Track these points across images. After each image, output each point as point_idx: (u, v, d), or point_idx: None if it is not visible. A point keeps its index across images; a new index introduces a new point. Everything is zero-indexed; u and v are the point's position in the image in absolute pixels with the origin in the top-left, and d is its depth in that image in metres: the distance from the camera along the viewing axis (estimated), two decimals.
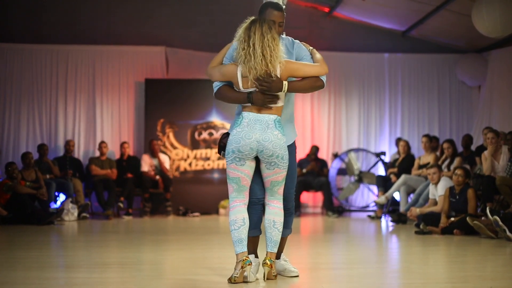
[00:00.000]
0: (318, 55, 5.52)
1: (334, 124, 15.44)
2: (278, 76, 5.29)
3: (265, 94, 5.29)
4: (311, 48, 5.61)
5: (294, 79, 5.46)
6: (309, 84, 5.42)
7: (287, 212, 5.59)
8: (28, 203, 11.34)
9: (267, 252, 5.44)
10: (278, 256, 5.67)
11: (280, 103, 5.37)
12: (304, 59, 5.51)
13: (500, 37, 11.70)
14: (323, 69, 5.43)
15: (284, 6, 8.88)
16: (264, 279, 5.39)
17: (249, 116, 5.34)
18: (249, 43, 5.26)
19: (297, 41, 5.65)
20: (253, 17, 5.41)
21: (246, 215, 5.40)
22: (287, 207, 5.58)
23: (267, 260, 5.34)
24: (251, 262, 5.29)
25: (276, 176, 5.39)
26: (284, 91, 5.30)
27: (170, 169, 14.04)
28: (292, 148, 5.60)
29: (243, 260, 5.26)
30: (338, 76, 15.46)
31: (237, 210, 5.40)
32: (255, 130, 5.29)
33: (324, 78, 5.47)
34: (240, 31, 5.36)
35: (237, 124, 5.36)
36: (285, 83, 5.29)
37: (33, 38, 14.49)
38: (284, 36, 5.66)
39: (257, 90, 5.29)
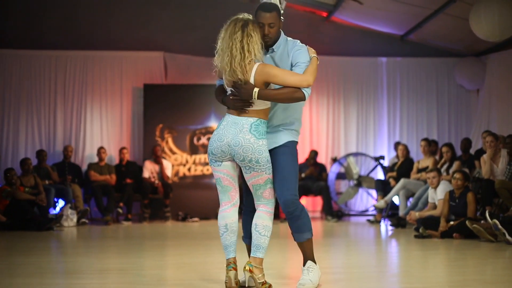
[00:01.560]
0: (311, 66, 5.18)
1: (333, 129, 15.45)
2: (250, 80, 5.10)
3: (235, 99, 5.17)
4: (313, 55, 5.30)
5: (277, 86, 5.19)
6: (285, 94, 5.11)
7: (292, 217, 5.31)
8: (27, 209, 11.34)
9: (249, 256, 5.34)
10: (304, 263, 5.47)
11: (261, 106, 5.18)
12: (297, 66, 5.22)
13: (498, 41, 11.71)
14: (306, 80, 5.09)
15: (282, 11, 8.87)
16: (245, 285, 5.31)
17: (228, 118, 5.25)
18: (221, 42, 5.21)
19: (300, 44, 5.36)
20: (233, 17, 5.29)
21: (230, 220, 5.42)
22: (288, 210, 5.27)
23: (246, 265, 5.18)
24: (234, 267, 5.21)
25: (256, 180, 5.23)
26: (254, 98, 5.08)
27: (170, 176, 14.04)
28: (286, 148, 5.33)
29: (227, 265, 5.24)
30: (336, 81, 15.48)
31: (221, 215, 5.48)
32: (228, 133, 5.18)
33: (306, 90, 5.12)
34: (221, 32, 5.29)
35: (218, 126, 5.30)
36: (255, 90, 5.07)
37: (31, 44, 14.50)
38: (289, 38, 5.44)
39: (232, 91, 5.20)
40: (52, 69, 14.66)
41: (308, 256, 5.45)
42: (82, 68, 14.76)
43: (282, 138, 5.36)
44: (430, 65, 15.52)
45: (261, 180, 5.24)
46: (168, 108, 14.36)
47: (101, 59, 14.85)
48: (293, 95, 5.11)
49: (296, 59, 5.27)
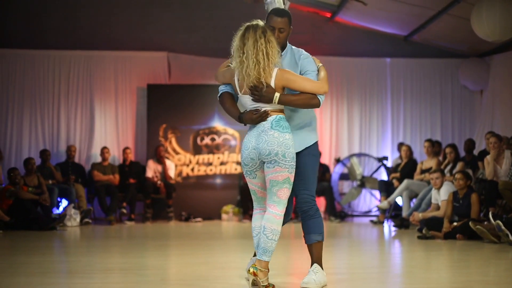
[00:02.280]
0: (322, 73, 5.36)
1: (336, 129, 15.44)
2: (272, 85, 5.19)
3: (253, 114, 5.24)
4: (320, 64, 5.44)
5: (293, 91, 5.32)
6: (303, 100, 5.26)
7: (305, 216, 5.41)
8: (31, 209, 11.35)
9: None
10: (311, 265, 5.46)
11: (275, 106, 5.23)
12: (308, 74, 5.36)
13: (499, 41, 11.71)
14: (322, 87, 5.28)
15: None
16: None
17: (251, 128, 5.35)
18: (243, 50, 5.20)
19: (307, 54, 5.49)
20: (247, 24, 5.31)
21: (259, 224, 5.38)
22: (303, 209, 5.39)
23: (251, 268, 5.11)
24: (254, 271, 5.12)
25: (276, 175, 5.16)
26: (274, 102, 5.18)
27: (173, 176, 14.04)
28: (310, 149, 5.44)
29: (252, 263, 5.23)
30: (340, 81, 15.46)
31: (255, 217, 5.44)
32: (252, 138, 5.26)
33: (321, 98, 5.29)
34: (236, 40, 5.28)
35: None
36: (276, 94, 5.17)
37: (35, 44, 14.51)
38: (293, 47, 5.53)
39: (251, 98, 5.25)
40: (56, 69, 14.68)
41: (315, 259, 5.45)
42: (85, 68, 14.77)
43: (307, 139, 5.47)
44: (433, 66, 15.50)
45: (280, 177, 5.17)
46: (172, 108, 14.37)
47: (105, 59, 14.85)
48: (310, 101, 5.28)
49: (305, 67, 5.40)
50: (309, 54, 5.48)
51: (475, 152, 12.45)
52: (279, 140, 5.14)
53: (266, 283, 5.16)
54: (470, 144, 12.33)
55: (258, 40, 5.17)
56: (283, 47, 5.44)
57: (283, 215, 5.26)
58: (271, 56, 5.17)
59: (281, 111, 5.29)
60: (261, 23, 5.31)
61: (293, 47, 5.53)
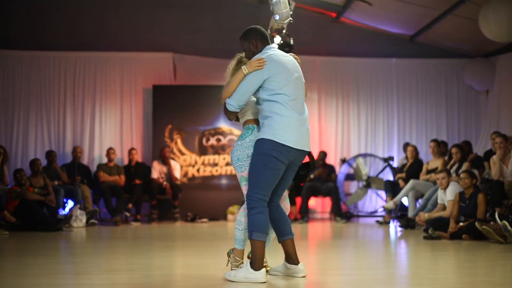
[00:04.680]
0: (228, 82, 5.80)
1: (342, 130, 15.44)
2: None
3: None
4: (242, 67, 5.73)
5: (253, 98, 5.82)
6: (225, 110, 5.89)
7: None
8: (37, 210, 11.37)
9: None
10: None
11: (244, 118, 5.93)
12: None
13: (506, 42, 11.70)
14: (222, 97, 5.81)
15: (291, 12, 8.89)
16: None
17: None
18: None
19: (263, 53, 5.77)
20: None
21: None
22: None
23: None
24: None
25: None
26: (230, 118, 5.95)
27: (179, 177, 14.05)
28: (254, 149, 5.67)
29: None
30: (345, 82, 15.47)
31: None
32: None
33: (228, 102, 5.73)
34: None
35: None
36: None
37: (40, 45, 14.56)
38: (268, 49, 5.83)
39: None
40: (61, 71, 14.71)
41: (251, 255, 5.68)
42: (91, 69, 14.81)
43: (260, 134, 5.72)
44: (439, 66, 15.49)
45: (239, 177, 5.84)
46: (177, 109, 14.39)
47: (110, 60, 14.88)
48: (224, 109, 5.88)
49: None
50: (255, 57, 5.75)
51: (481, 152, 12.43)
52: (232, 149, 5.86)
53: (235, 268, 5.80)
54: (465, 146, 12.39)
55: (229, 68, 6.00)
56: None
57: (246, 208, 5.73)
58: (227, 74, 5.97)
59: (253, 120, 5.89)
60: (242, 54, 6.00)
61: (265, 51, 5.81)
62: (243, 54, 5.98)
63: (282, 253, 5.89)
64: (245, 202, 5.70)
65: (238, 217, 5.84)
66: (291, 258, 5.80)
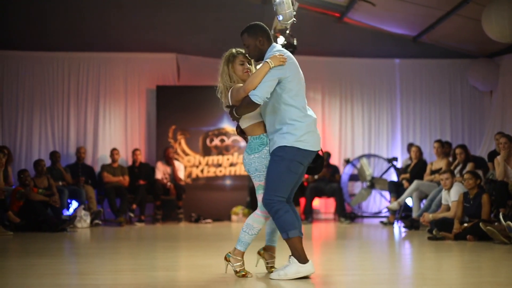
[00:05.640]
0: (253, 74, 5.76)
1: (346, 130, 15.44)
2: (229, 103, 5.88)
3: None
4: (267, 60, 5.70)
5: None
6: (241, 106, 5.77)
7: (272, 217, 5.82)
8: (41, 210, 11.39)
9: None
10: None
11: (246, 124, 5.89)
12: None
13: (509, 42, 11.69)
14: (242, 90, 5.71)
15: (294, 12, 8.89)
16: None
17: None
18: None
19: (270, 55, 5.76)
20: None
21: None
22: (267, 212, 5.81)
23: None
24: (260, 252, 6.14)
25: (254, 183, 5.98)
26: (238, 117, 5.83)
27: (183, 177, 14.06)
28: (272, 155, 5.78)
29: None
30: (349, 82, 15.47)
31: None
32: None
33: (253, 96, 5.62)
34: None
35: None
36: (234, 109, 5.81)
37: (44, 46, 14.58)
38: (274, 51, 5.80)
39: None
40: (65, 71, 14.74)
41: (292, 253, 5.78)
42: (94, 69, 14.84)
43: (273, 145, 5.81)
44: (443, 67, 15.49)
45: (256, 186, 5.92)
46: (181, 110, 14.39)
47: (114, 61, 14.91)
48: (246, 104, 5.69)
49: None
50: (272, 53, 5.75)
51: (485, 153, 12.42)
52: (245, 161, 5.89)
53: (238, 269, 5.86)
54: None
55: (219, 69, 5.98)
56: (261, 55, 5.89)
57: (262, 215, 5.86)
58: (223, 81, 5.94)
59: (257, 129, 5.90)
60: (234, 50, 5.99)
61: (274, 49, 5.83)
62: (230, 52, 6.00)
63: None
64: (262, 208, 5.81)
65: (250, 222, 5.87)
66: None
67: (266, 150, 5.81)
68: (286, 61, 5.68)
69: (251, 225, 5.85)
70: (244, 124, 5.90)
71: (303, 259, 5.72)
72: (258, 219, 5.86)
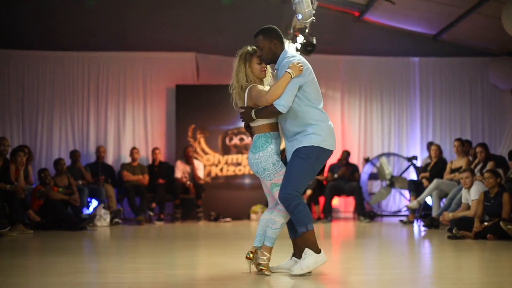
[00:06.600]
0: (275, 83, 5.79)
1: (365, 129, 15.40)
2: (245, 104, 5.96)
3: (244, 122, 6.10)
4: (287, 70, 5.76)
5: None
6: (266, 113, 5.83)
7: (289, 212, 5.88)
8: (61, 209, 11.45)
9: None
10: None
11: (259, 122, 5.92)
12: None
13: None
14: (265, 99, 5.75)
15: (313, 11, 8.88)
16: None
17: None
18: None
19: (286, 60, 5.83)
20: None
21: (265, 217, 6.11)
22: (284, 206, 5.86)
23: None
24: (247, 256, 6.05)
25: (266, 184, 5.98)
26: (255, 119, 5.89)
27: (202, 176, 14.08)
28: (295, 153, 5.86)
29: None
30: (368, 81, 15.42)
31: (265, 212, 6.21)
32: None
33: (278, 105, 5.71)
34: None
35: None
36: (253, 112, 5.86)
37: (65, 46, 14.64)
38: (288, 55, 5.91)
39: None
40: (85, 71, 14.81)
41: (307, 245, 5.89)
42: (114, 69, 14.89)
43: (296, 145, 5.89)
44: (463, 65, 15.40)
45: (268, 185, 5.95)
46: (200, 109, 14.41)
47: (134, 60, 14.96)
48: (270, 112, 5.81)
49: (278, 77, 5.95)
50: (290, 60, 5.82)
51: (505, 151, 12.34)
52: (251, 161, 5.95)
53: (263, 263, 5.93)
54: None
55: (234, 67, 6.02)
56: (274, 59, 5.99)
57: (283, 210, 5.93)
58: (238, 80, 6.00)
59: (268, 127, 5.93)
60: (248, 48, 6.04)
61: (287, 55, 5.93)
62: (246, 50, 6.05)
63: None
64: (280, 203, 5.90)
65: (273, 217, 5.97)
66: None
67: (270, 148, 5.90)
68: (303, 68, 5.80)
69: (274, 220, 5.97)
70: (255, 122, 5.96)
71: (317, 249, 5.86)
72: (280, 214, 5.96)
